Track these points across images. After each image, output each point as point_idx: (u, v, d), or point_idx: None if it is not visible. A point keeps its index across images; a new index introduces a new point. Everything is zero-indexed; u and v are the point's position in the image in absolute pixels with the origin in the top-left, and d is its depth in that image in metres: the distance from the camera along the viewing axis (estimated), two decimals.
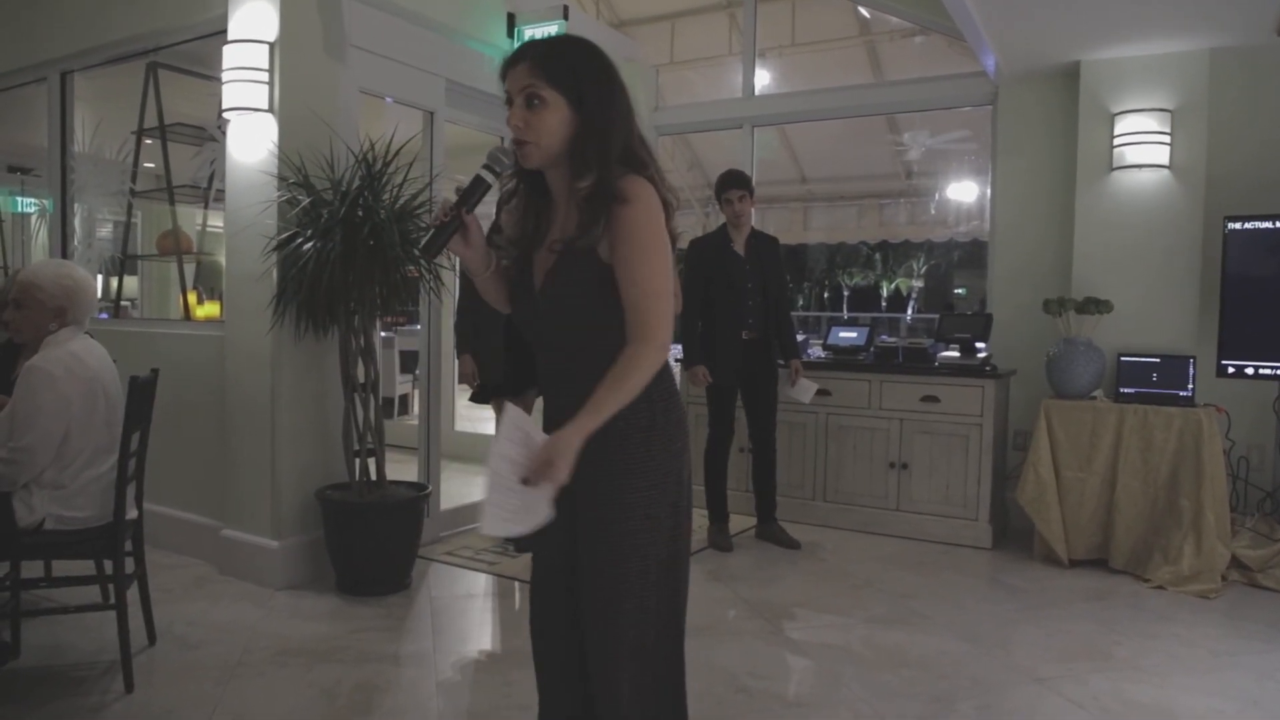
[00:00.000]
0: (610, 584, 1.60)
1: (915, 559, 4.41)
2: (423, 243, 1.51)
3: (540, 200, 1.67)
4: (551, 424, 1.65)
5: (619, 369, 1.52)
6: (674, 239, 1.63)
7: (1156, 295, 4.49)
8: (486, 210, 1.95)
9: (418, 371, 6.69)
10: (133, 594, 2.90)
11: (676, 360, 5.46)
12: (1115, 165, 4.52)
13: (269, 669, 2.92)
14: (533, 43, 1.60)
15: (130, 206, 4.80)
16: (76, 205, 4.88)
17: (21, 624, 3.01)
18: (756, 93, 6.03)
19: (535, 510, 1.47)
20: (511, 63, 1.56)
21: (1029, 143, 5.04)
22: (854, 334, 5.30)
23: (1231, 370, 4.25)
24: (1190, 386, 4.28)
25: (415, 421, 5.53)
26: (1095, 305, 4.33)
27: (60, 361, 2.66)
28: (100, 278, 5.19)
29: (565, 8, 4.80)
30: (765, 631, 3.38)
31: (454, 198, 1.60)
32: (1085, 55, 4.59)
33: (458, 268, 4.31)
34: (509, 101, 1.57)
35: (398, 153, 3.73)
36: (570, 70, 1.55)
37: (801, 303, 18.86)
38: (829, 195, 9.11)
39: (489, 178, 1.60)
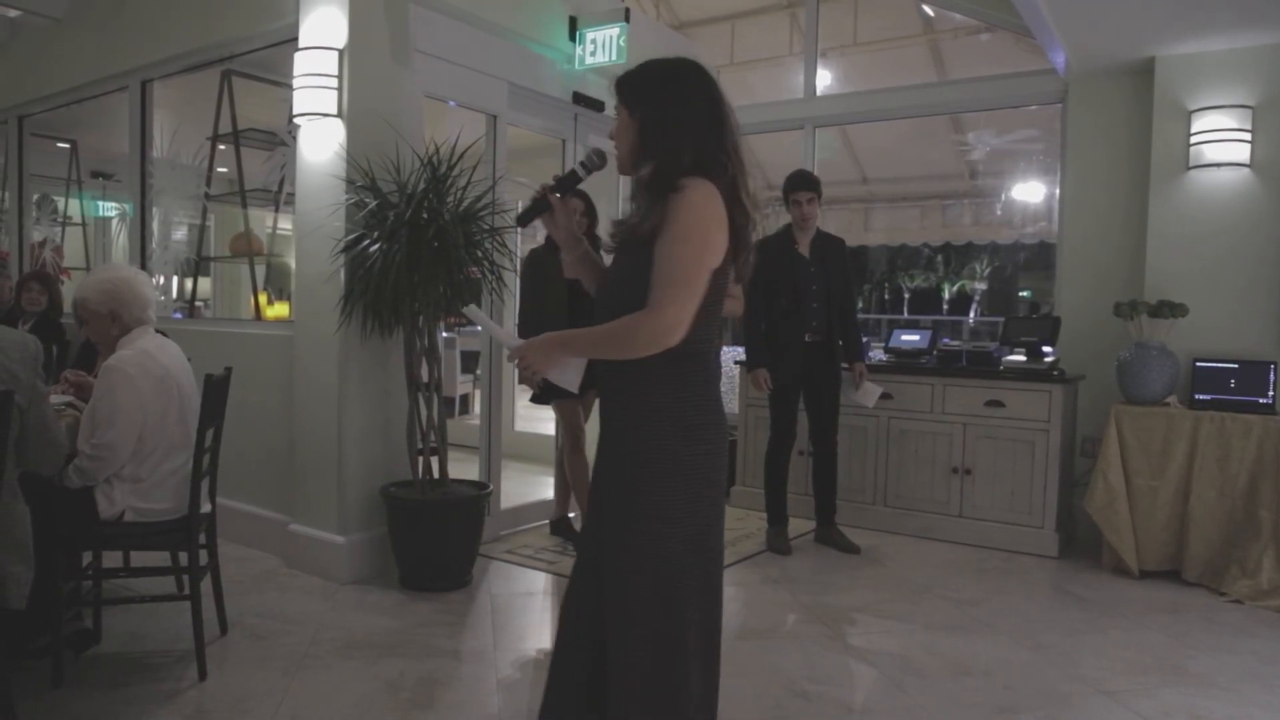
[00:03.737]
0: (614, 572, 1.73)
1: (978, 566, 4.33)
2: (517, 214, 1.85)
3: None
4: (603, 404, 1.81)
5: (615, 323, 1.65)
6: (747, 252, 1.74)
7: (1235, 298, 4.33)
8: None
9: (478, 372, 6.79)
10: (206, 585, 3.00)
11: (738, 363, 5.45)
12: (1192, 164, 4.38)
13: (335, 661, 2.99)
14: (626, 71, 1.83)
15: (205, 210, 4.96)
16: (154, 209, 5.06)
17: (102, 611, 3.13)
18: (818, 93, 5.98)
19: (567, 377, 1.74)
20: None
21: (1100, 141, 4.91)
22: (916, 337, 5.22)
23: None
24: (1270, 393, 4.12)
25: (476, 421, 5.62)
26: (1169, 309, 4.20)
27: (134, 360, 2.74)
28: (175, 279, 5.37)
29: (626, 10, 4.82)
30: (824, 636, 3.35)
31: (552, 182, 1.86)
32: (1160, 50, 4.46)
33: (519, 269, 4.36)
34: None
35: (462, 156, 3.79)
36: (633, 89, 1.77)
37: (861, 305, 18.65)
38: (891, 196, 8.99)
39: (581, 172, 1.89)
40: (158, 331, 2.94)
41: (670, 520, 1.68)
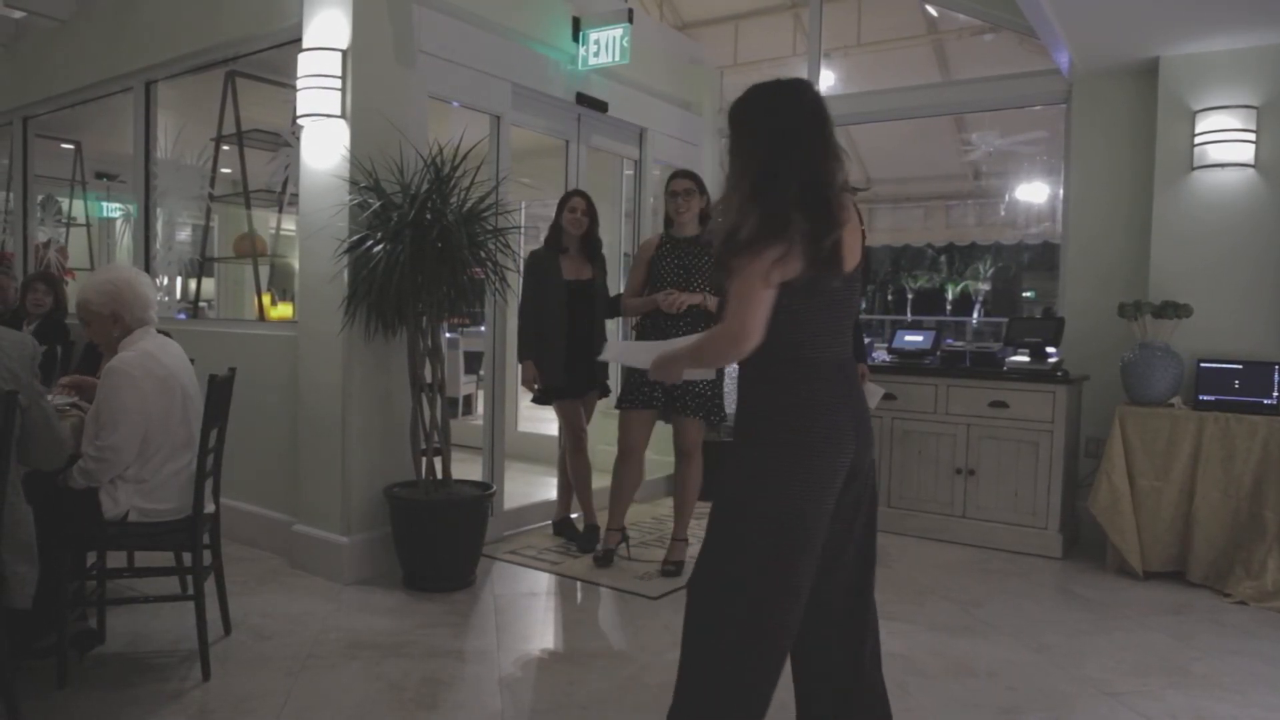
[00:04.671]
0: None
1: (982, 567, 4.32)
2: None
3: None
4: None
5: (705, 336, 2.00)
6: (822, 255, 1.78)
7: (1239, 299, 4.32)
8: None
9: (481, 372, 6.79)
10: (209, 585, 3.00)
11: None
12: (1196, 164, 4.37)
13: (339, 661, 3.00)
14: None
15: (208, 210, 4.96)
16: (158, 210, 5.06)
17: (106, 612, 3.13)
18: (822, 94, 5.97)
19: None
20: None
21: (1104, 141, 4.90)
22: (919, 337, 5.21)
23: None
24: (1275, 394, 4.11)
25: (479, 421, 5.62)
26: (1173, 309, 4.19)
27: (136, 361, 2.74)
28: (179, 280, 5.38)
29: (630, 11, 4.82)
30: None
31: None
32: (1164, 50, 4.45)
33: (521, 270, 4.36)
34: None
35: (465, 156, 3.79)
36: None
37: (864, 305, 18.59)
38: (894, 196, 8.99)
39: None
40: (159, 332, 2.95)
41: (744, 509, 1.86)
